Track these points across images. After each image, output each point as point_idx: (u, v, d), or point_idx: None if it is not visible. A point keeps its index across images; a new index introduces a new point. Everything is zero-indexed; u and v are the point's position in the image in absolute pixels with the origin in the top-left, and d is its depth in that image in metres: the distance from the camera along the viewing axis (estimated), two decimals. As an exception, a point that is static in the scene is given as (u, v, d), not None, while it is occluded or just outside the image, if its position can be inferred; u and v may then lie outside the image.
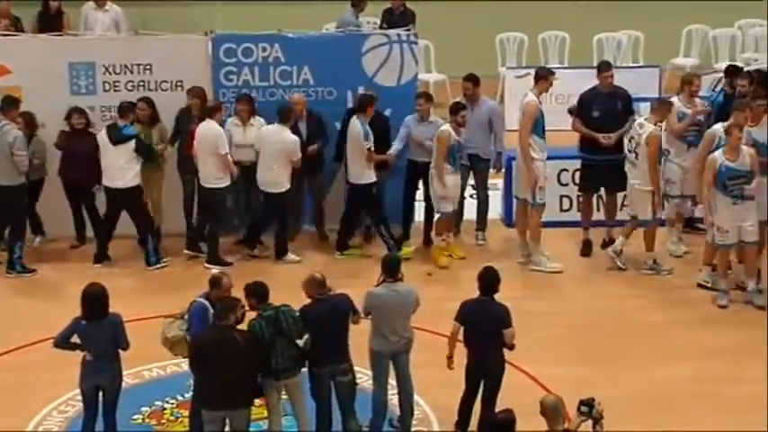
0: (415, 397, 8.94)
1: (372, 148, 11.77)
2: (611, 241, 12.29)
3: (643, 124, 11.49)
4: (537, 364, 9.53)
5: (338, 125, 12.42)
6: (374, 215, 12.15)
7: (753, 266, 11.02)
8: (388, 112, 12.39)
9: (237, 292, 8.35)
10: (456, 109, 11.74)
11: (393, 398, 8.89)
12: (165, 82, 12.38)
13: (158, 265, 11.91)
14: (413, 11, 15.00)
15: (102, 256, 11.97)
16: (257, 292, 8.26)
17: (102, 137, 11.72)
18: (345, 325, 8.43)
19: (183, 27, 13.74)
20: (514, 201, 12.35)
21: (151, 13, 16.06)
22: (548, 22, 17.05)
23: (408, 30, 12.99)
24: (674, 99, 12.02)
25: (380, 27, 14.88)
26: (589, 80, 12.33)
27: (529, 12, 16.97)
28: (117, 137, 11.61)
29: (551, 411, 7.12)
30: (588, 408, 7.16)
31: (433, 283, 11.43)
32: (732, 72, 12.34)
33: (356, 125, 11.79)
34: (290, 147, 11.71)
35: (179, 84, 12.36)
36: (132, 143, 11.62)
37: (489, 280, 8.60)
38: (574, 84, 12.53)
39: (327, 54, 12.61)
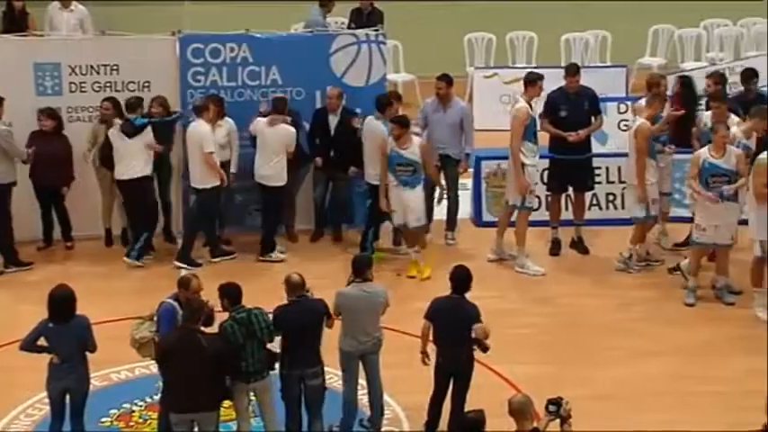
0: (385, 397, 8.94)
1: None
2: (580, 240, 12.31)
3: (636, 119, 11.57)
4: (507, 363, 9.53)
5: (306, 125, 12.41)
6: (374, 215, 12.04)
7: (723, 265, 11.07)
8: (358, 112, 12.36)
9: (212, 293, 8.30)
10: (391, 120, 11.56)
11: (363, 398, 8.88)
12: (132, 83, 12.28)
13: (135, 262, 11.81)
14: (381, 11, 14.99)
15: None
16: (230, 294, 8.22)
17: (114, 133, 11.68)
18: (319, 328, 8.41)
19: (150, 27, 13.62)
20: (484, 201, 12.31)
21: (117, 12, 15.92)
22: (515, 22, 17.08)
23: (377, 30, 12.97)
24: (643, 101, 12.07)
25: (348, 27, 14.87)
26: (558, 80, 12.35)
27: (497, 12, 16.99)
28: (131, 128, 11.59)
29: (519, 411, 7.13)
30: (556, 407, 7.18)
31: (402, 283, 11.42)
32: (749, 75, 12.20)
33: (378, 126, 11.73)
34: (289, 138, 11.76)
35: (146, 84, 12.27)
36: (147, 132, 11.62)
37: (461, 278, 8.61)
38: (542, 84, 12.51)
39: (295, 54, 12.56)
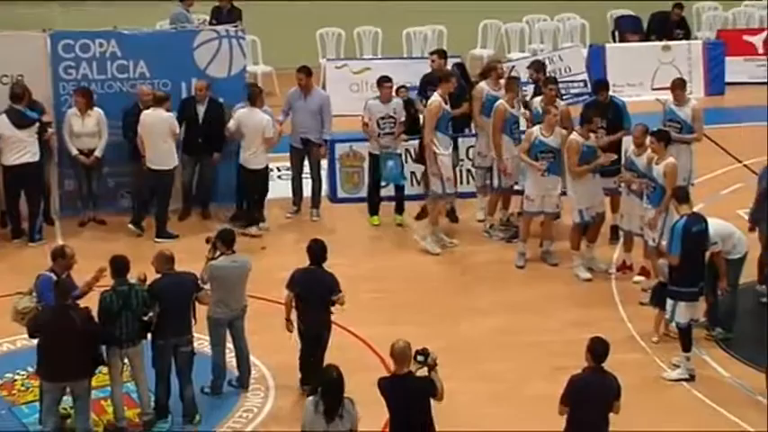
0: (251, 358, 8.94)
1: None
2: (424, 212, 12.44)
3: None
4: (362, 324, 9.67)
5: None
6: None
7: (549, 231, 11.43)
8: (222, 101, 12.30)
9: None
10: None
11: (231, 360, 8.88)
12: (6, 76, 11.93)
13: (41, 241, 11.53)
14: (239, 8, 14.99)
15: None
16: (114, 267, 8.17)
17: (3, 122, 11.29)
18: (190, 299, 8.41)
19: (22, 26, 13.18)
20: (338, 179, 12.32)
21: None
22: (362, 18, 17.18)
23: (236, 26, 12.87)
24: (482, 84, 12.27)
25: (210, 24, 14.71)
26: (400, 69, 12.47)
27: (345, 8, 17.03)
28: (22, 120, 11.32)
29: (399, 354, 7.25)
30: (423, 357, 7.32)
31: (265, 255, 11.38)
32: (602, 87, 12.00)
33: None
34: (172, 124, 11.75)
35: (19, 77, 11.87)
36: (35, 125, 11.41)
37: (317, 251, 8.70)
38: (386, 72, 12.64)
39: (161, 49, 12.41)
